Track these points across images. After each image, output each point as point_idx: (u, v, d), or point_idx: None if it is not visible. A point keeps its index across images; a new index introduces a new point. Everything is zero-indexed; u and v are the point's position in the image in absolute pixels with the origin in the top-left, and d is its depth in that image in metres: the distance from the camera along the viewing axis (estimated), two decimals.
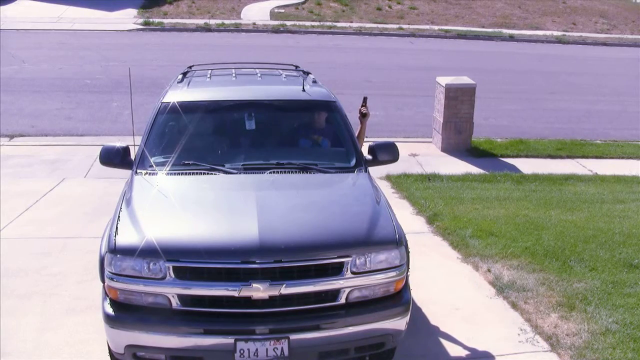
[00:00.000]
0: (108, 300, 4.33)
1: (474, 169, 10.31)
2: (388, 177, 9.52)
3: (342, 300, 4.32)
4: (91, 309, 5.54)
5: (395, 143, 5.85)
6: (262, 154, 5.47)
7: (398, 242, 4.47)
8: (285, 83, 6.38)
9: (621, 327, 5.52)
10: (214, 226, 4.45)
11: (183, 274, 4.17)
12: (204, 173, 5.14)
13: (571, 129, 13.16)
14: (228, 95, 5.96)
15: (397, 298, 4.50)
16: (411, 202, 8.60)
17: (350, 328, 4.32)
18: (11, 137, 11.14)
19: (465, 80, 11.30)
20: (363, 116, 6.22)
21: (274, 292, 4.14)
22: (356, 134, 5.90)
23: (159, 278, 4.16)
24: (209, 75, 6.53)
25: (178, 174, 5.15)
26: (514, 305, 5.95)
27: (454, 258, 7.02)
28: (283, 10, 26.81)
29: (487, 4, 30.14)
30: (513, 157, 11.10)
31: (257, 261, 4.14)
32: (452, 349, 5.26)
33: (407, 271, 4.60)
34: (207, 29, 23.08)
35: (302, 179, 5.20)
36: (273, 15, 25.96)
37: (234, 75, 6.57)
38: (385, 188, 8.83)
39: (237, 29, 23.33)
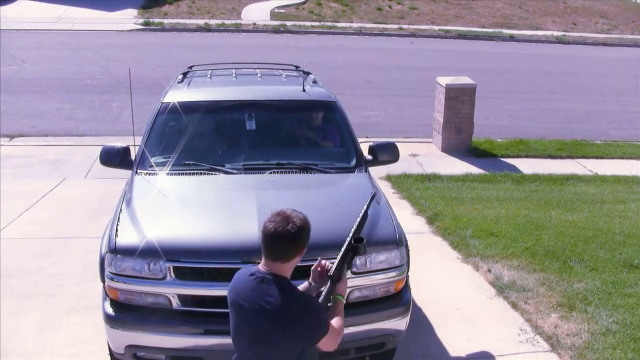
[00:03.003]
0: (108, 301, 4.34)
1: (474, 169, 10.30)
2: (388, 177, 9.52)
3: None
4: (91, 309, 5.52)
5: (396, 143, 5.86)
6: (263, 154, 5.47)
7: (398, 242, 4.47)
8: (285, 83, 6.37)
9: (621, 327, 5.51)
10: (215, 226, 4.45)
11: (183, 274, 4.17)
12: (204, 173, 5.14)
13: (571, 129, 13.14)
14: (228, 95, 5.96)
15: (398, 298, 4.50)
16: (411, 202, 8.59)
17: (351, 328, 4.30)
18: (11, 137, 11.14)
19: (465, 80, 11.29)
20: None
21: None
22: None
23: (159, 278, 4.16)
24: (209, 76, 6.53)
25: (178, 174, 5.15)
26: (514, 306, 5.94)
27: (454, 258, 7.01)
28: (283, 11, 26.80)
29: (487, 4, 30.12)
30: (513, 157, 11.08)
31: (258, 261, 4.13)
32: (452, 349, 5.26)
33: (408, 271, 4.60)
34: (207, 29, 23.06)
35: (302, 179, 5.20)
36: (273, 15, 25.94)
37: (234, 75, 6.57)
38: (386, 188, 8.82)
39: (237, 29, 23.32)
